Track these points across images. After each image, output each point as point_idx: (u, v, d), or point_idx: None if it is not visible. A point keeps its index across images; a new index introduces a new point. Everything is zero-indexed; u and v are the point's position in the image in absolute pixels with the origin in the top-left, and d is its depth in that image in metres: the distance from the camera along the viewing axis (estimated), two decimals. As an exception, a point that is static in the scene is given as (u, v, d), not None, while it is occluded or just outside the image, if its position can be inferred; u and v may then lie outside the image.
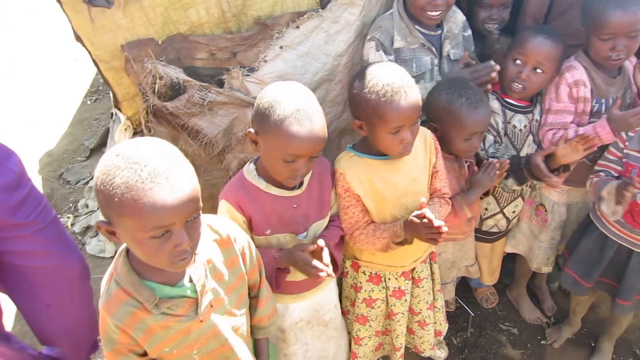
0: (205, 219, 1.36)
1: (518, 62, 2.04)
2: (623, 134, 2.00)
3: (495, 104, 2.12)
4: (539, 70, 2.02)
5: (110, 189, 1.06)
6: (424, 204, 1.59)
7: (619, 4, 1.88)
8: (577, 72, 2.05)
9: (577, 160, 1.99)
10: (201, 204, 1.18)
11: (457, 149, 1.97)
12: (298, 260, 1.60)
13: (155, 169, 1.06)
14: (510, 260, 2.73)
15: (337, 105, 2.30)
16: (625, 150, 2.01)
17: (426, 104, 1.93)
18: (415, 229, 1.63)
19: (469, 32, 2.24)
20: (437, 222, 1.55)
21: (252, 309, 1.58)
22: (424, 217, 1.57)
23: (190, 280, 1.30)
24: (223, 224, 1.43)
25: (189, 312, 1.30)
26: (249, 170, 1.68)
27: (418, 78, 2.08)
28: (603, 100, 2.10)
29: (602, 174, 2.08)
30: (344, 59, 2.16)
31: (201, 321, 1.32)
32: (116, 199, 1.06)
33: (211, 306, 1.34)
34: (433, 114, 1.95)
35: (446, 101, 1.89)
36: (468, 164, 2.07)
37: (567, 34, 2.11)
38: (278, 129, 1.48)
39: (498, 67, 1.99)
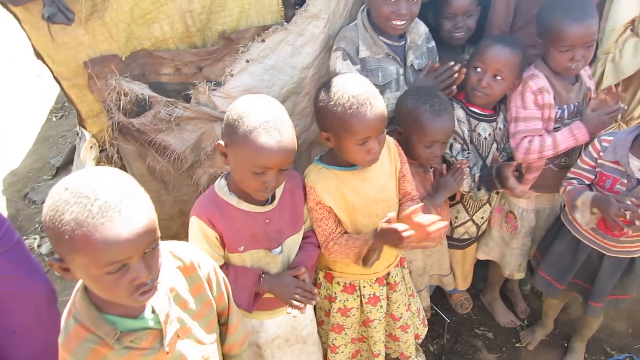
0: (166, 245, 1.32)
1: (479, 70, 2.09)
2: (597, 144, 2.04)
3: (460, 113, 2.16)
4: (498, 78, 2.07)
5: (60, 225, 1.01)
6: (393, 219, 1.58)
7: (575, 18, 1.95)
8: (539, 80, 2.10)
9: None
10: (159, 233, 1.13)
11: (418, 155, 1.99)
12: (288, 285, 1.61)
13: (106, 202, 1.01)
14: (482, 266, 2.77)
15: (305, 118, 2.30)
16: (599, 161, 2.03)
17: (395, 108, 1.98)
18: (384, 235, 1.63)
19: (433, 43, 2.28)
20: (400, 227, 1.54)
21: (222, 336, 1.54)
22: (392, 222, 1.57)
23: (153, 311, 1.25)
24: (186, 250, 1.38)
25: (154, 344, 1.25)
26: (220, 186, 1.67)
27: (384, 87, 2.11)
28: (565, 107, 2.16)
29: (574, 181, 2.11)
30: (310, 71, 2.17)
31: (168, 353, 1.27)
32: (66, 236, 1.00)
33: (178, 336, 1.30)
34: (399, 118, 1.99)
35: (411, 106, 1.93)
36: (433, 169, 2.09)
37: (531, 45, 2.16)
38: (246, 140, 1.47)
39: (457, 68, 2.02)
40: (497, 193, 2.38)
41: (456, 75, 2.04)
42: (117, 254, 1.04)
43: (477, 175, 2.13)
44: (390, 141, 1.87)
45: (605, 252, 2.13)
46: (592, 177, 2.07)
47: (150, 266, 1.12)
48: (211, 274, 1.42)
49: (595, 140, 2.05)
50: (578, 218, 2.06)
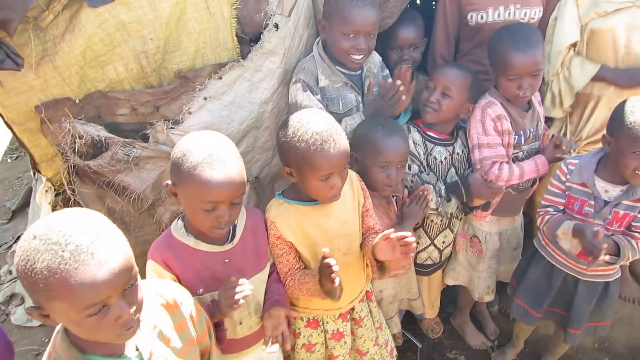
0: (149, 284, 1.31)
1: (429, 87, 2.17)
2: (564, 167, 2.09)
3: (416, 136, 2.21)
4: (446, 95, 2.13)
5: (33, 275, 0.99)
6: (327, 254, 1.55)
7: (520, 48, 2.03)
8: (497, 107, 2.16)
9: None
10: (136, 269, 1.12)
11: (374, 180, 1.98)
12: (227, 294, 1.49)
13: (77, 246, 1.00)
14: (450, 289, 2.79)
15: (266, 151, 2.30)
16: (567, 183, 2.08)
17: (352, 137, 2.01)
18: (321, 270, 1.62)
19: (387, 71, 2.34)
20: (332, 262, 1.53)
21: None
22: (327, 257, 1.55)
23: (137, 349, 1.22)
24: (168, 288, 1.37)
25: None
26: (177, 227, 1.64)
27: (345, 114, 2.15)
28: (521, 132, 2.23)
29: (550, 209, 2.13)
30: (269, 105, 2.18)
31: None
32: (41, 285, 0.99)
33: None
34: (354, 145, 2.00)
35: (364, 130, 1.98)
36: (395, 198, 2.11)
37: (478, 71, 2.24)
38: (192, 177, 1.45)
39: (399, 83, 2.03)
40: (465, 212, 2.40)
41: (401, 88, 2.04)
42: (95, 297, 1.02)
43: (442, 188, 2.15)
44: (353, 176, 1.88)
45: (579, 277, 2.15)
46: (564, 201, 2.11)
47: (132, 302, 1.11)
48: (193, 312, 1.41)
49: (562, 164, 2.10)
50: (564, 247, 2.09)
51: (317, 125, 1.62)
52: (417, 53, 2.44)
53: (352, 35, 2.00)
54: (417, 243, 2.35)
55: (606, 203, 1.98)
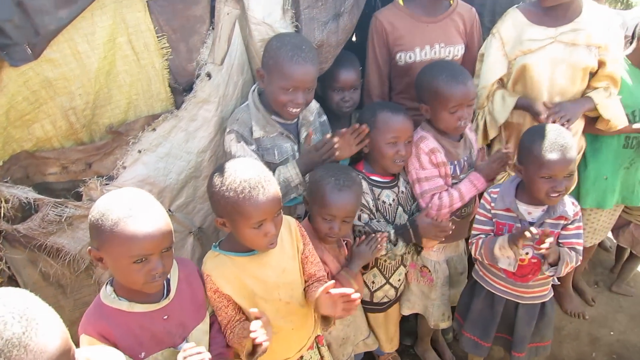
0: (83, 352, 1.23)
1: (390, 143, 2.15)
2: (487, 196, 2.17)
3: (363, 184, 2.18)
4: (408, 143, 2.19)
5: None
6: (256, 314, 1.52)
7: (459, 80, 2.13)
8: (429, 142, 2.22)
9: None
10: (73, 349, 1.05)
11: (318, 229, 1.98)
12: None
13: (7, 340, 0.92)
14: (406, 321, 2.79)
15: (208, 200, 2.26)
16: (492, 211, 2.15)
17: (309, 181, 2.01)
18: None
19: (324, 117, 2.37)
20: (252, 327, 1.48)
21: None
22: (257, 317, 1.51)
23: None
24: (104, 356, 1.30)
25: None
26: (107, 293, 1.54)
27: (282, 164, 2.13)
28: (456, 162, 2.30)
29: (482, 236, 2.19)
30: (207, 154, 2.16)
31: None
32: None
33: None
34: (308, 187, 2.01)
35: (318, 176, 1.96)
36: (346, 242, 2.11)
37: (411, 108, 2.33)
38: (116, 234, 1.39)
39: (335, 140, 2.06)
40: (417, 251, 2.42)
41: (337, 146, 2.07)
42: None
43: (392, 233, 2.16)
44: (291, 222, 1.87)
45: (519, 301, 2.21)
46: (492, 227, 2.18)
47: None
48: None
49: (485, 193, 2.19)
50: (503, 265, 2.13)
51: (245, 173, 1.60)
52: (356, 94, 2.50)
53: (290, 90, 2.00)
54: (369, 288, 2.37)
55: (531, 224, 2.07)
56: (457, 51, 2.45)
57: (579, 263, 2.11)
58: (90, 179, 1.92)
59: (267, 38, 2.12)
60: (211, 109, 2.10)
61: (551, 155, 1.92)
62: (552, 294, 2.27)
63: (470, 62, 2.49)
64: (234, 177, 1.59)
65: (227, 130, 2.09)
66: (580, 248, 2.10)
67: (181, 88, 2.08)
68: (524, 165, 2.03)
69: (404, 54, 2.42)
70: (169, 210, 2.16)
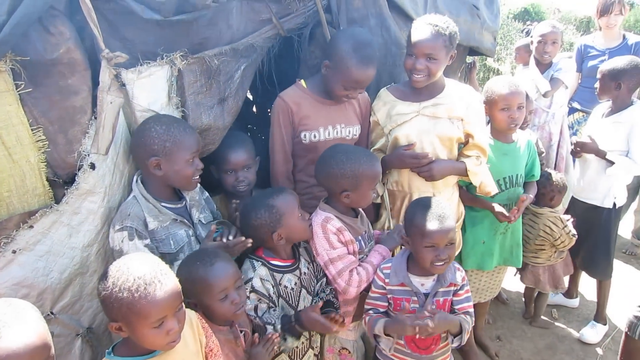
0: None
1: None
2: (380, 273, 2.22)
3: (262, 271, 2.13)
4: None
5: None
6: None
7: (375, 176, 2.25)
8: (334, 221, 2.24)
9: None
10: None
11: (222, 314, 1.88)
12: None
13: None
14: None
15: (97, 297, 2.09)
16: (387, 287, 2.19)
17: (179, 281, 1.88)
18: None
19: (206, 194, 2.37)
20: None
21: None
22: None
23: None
24: None
25: None
26: None
27: (178, 253, 2.06)
28: (359, 237, 2.34)
29: (371, 312, 2.22)
30: (94, 248, 2.03)
31: None
32: None
33: None
34: (185, 290, 1.89)
35: (186, 273, 1.84)
36: (243, 332, 2.01)
37: (311, 185, 2.46)
38: None
39: (250, 242, 2.07)
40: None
41: (249, 245, 2.07)
42: None
43: (279, 327, 2.08)
44: (192, 315, 1.77)
45: None
46: (385, 304, 2.22)
47: None
48: None
49: (378, 270, 2.24)
50: (382, 345, 2.15)
51: (138, 269, 1.50)
52: (250, 173, 2.51)
53: (191, 160, 2.06)
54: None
55: (426, 295, 2.15)
56: (355, 131, 2.61)
57: (472, 325, 2.21)
58: (-46, 288, 1.72)
59: (154, 124, 2.10)
60: (97, 200, 1.99)
61: (431, 225, 2.03)
62: (451, 358, 2.34)
63: (363, 141, 2.68)
64: (126, 275, 1.48)
65: (117, 227, 1.96)
66: (472, 311, 2.21)
67: (61, 181, 1.96)
68: (410, 236, 2.14)
69: (308, 133, 2.52)
70: (51, 312, 1.96)
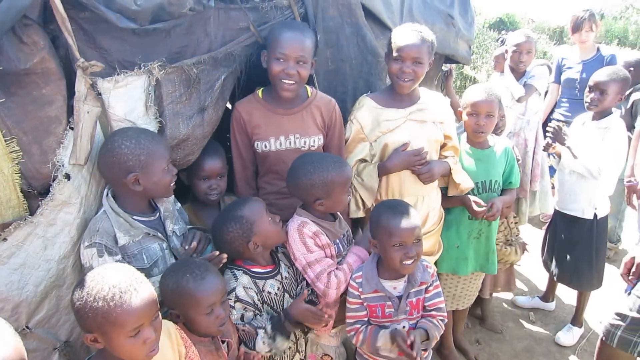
0: None
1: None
2: (353, 283, 2.22)
3: (244, 279, 2.13)
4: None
5: None
6: None
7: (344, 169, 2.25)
8: (310, 225, 2.24)
9: None
10: None
11: (205, 327, 1.88)
12: None
13: None
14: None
15: (74, 310, 2.06)
16: (362, 296, 2.20)
17: (161, 295, 1.86)
18: None
19: (179, 204, 2.35)
20: None
21: None
22: None
23: None
24: None
25: None
26: None
27: (152, 268, 2.03)
28: (337, 240, 2.35)
29: (357, 325, 2.21)
30: (70, 260, 2.00)
31: None
32: None
33: None
34: (168, 302, 1.88)
35: (173, 284, 1.83)
36: (226, 342, 2.00)
37: (272, 192, 2.48)
38: None
39: (225, 257, 2.08)
40: (304, 334, 2.37)
41: (225, 261, 2.07)
42: None
43: (269, 327, 2.09)
44: (169, 325, 1.75)
45: None
46: (366, 312, 2.22)
47: None
48: None
49: (350, 281, 2.24)
50: (384, 353, 2.15)
51: (113, 278, 1.49)
52: (223, 182, 2.53)
53: (167, 167, 2.06)
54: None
55: (399, 298, 2.17)
56: (313, 142, 2.55)
57: (446, 321, 2.24)
58: None
59: (131, 134, 2.09)
60: (72, 211, 1.97)
61: (396, 222, 2.07)
62: (431, 355, 2.37)
63: (333, 149, 2.63)
64: (100, 284, 1.47)
65: (87, 244, 1.91)
66: (443, 305, 2.25)
67: (36, 192, 1.92)
68: (377, 238, 2.16)
69: (260, 142, 2.51)
70: (26, 327, 1.92)
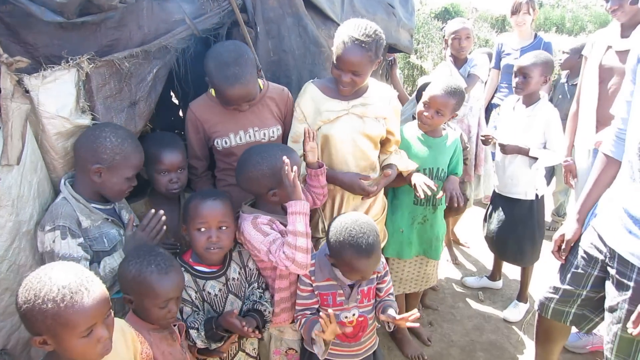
0: None
1: (203, 229, 2.10)
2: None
3: (185, 277, 2.09)
4: (223, 228, 2.12)
5: None
6: None
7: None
8: (263, 217, 2.18)
9: None
10: None
11: (155, 318, 1.88)
12: None
13: None
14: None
15: (12, 316, 2.00)
16: (314, 284, 2.22)
17: (118, 277, 1.88)
18: None
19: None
20: None
21: None
22: None
23: None
24: None
25: None
26: None
27: (112, 251, 2.07)
28: None
29: (307, 312, 2.23)
30: (4, 265, 1.92)
31: None
32: None
33: None
34: (125, 286, 1.87)
35: (136, 271, 1.82)
36: (177, 325, 1.99)
37: (230, 184, 2.43)
38: None
39: (161, 212, 2.08)
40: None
41: (164, 218, 2.07)
42: None
43: (202, 332, 2.06)
44: (122, 324, 1.72)
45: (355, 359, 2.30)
46: (316, 301, 2.24)
47: None
48: None
49: None
50: (316, 350, 2.15)
51: (62, 278, 1.44)
52: (183, 175, 2.48)
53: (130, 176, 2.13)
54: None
55: (351, 287, 2.20)
56: (272, 133, 2.56)
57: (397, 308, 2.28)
58: None
59: (64, 130, 2.03)
60: (4, 214, 1.88)
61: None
62: (377, 343, 2.42)
63: None
64: (49, 286, 1.41)
65: (48, 227, 1.93)
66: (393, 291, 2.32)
67: (-37, 196, 1.85)
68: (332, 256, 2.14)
69: (220, 139, 2.50)
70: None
